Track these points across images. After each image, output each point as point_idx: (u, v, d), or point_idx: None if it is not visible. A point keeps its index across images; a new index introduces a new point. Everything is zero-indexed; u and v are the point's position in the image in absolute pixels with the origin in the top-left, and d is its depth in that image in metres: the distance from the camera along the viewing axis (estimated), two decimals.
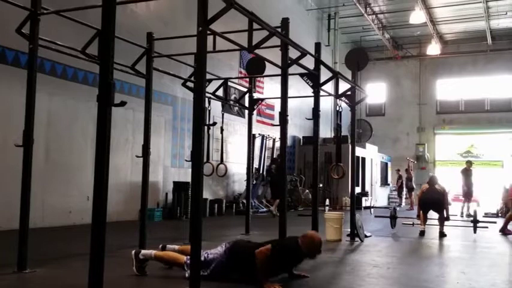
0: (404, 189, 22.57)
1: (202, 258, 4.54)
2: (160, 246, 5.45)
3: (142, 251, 4.95)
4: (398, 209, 19.78)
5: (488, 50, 25.31)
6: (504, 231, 10.11)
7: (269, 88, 17.05)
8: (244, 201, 11.80)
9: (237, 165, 14.90)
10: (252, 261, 4.50)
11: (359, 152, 18.74)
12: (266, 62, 7.60)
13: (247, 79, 11.62)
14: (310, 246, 4.65)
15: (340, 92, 8.24)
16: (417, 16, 20.65)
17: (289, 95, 6.14)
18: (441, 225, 9.33)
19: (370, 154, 21.69)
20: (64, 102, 9.70)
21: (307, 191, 17.67)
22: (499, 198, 16.68)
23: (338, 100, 8.60)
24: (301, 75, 7.09)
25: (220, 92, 9.17)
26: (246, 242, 5.21)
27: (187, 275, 4.53)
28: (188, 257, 4.66)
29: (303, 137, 20.26)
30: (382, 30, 23.98)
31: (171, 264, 5.02)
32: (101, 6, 3.24)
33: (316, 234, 4.88)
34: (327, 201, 15.51)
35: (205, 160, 7.18)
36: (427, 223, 9.64)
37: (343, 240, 8.06)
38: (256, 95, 10.83)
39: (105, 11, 3.21)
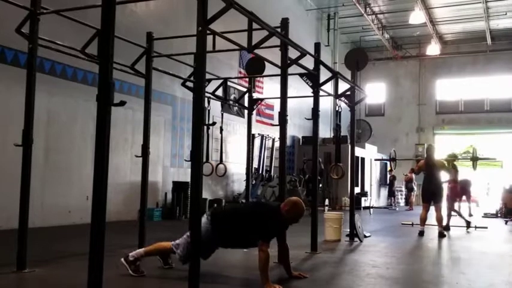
0: (404, 189, 22.59)
1: (189, 239, 4.53)
2: None
3: (131, 253, 4.93)
4: (397, 209, 19.94)
5: (487, 50, 25.32)
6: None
7: (269, 88, 17.05)
8: (244, 201, 11.80)
9: (236, 165, 14.90)
10: (237, 220, 4.75)
11: (358, 152, 18.75)
12: (266, 62, 7.60)
13: (247, 79, 11.62)
14: (291, 207, 4.73)
15: (339, 92, 8.24)
16: (417, 16, 20.66)
17: (288, 95, 6.14)
18: (440, 225, 9.35)
19: (370, 154, 21.71)
20: (63, 101, 9.70)
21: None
22: (499, 199, 16.72)
23: (337, 100, 8.60)
24: (301, 75, 7.08)
25: (219, 92, 9.17)
26: (224, 207, 5.29)
27: (177, 256, 4.77)
28: (174, 242, 4.85)
29: (302, 137, 20.26)
30: (382, 30, 23.99)
31: (161, 253, 5.09)
32: (101, 6, 3.24)
33: (298, 199, 4.89)
34: (327, 201, 15.55)
35: (204, 160, 7.18)
36: (426, 223, 9.66)
37: (343, 241, 8.06)
38: (255, 95, 10.82)
39: (104, 11, 3.21)
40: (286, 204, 4.77)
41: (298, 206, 4.76)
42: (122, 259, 4.88)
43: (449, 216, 10.82)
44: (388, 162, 24.37)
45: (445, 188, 10.60)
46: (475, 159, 11.63)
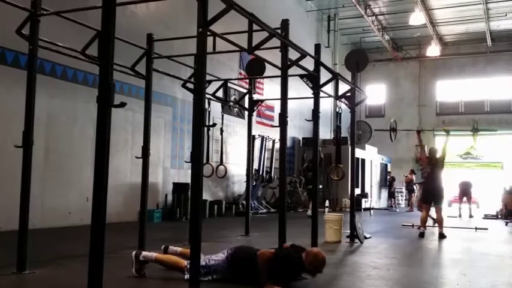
0: (404, 191, 22.61)
1: (203, 263, 4.53)
2: (163, 247, 5.46)
3: (143, 253, 4.93)
4: (398, 210, 19.95)
5: (488, 51, 25.33)
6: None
7: (269, 89, 17.06)
8: (244, 202, 11.80)
9: (236, 167, 14.90)
10: (254, 268, 4.46)
11: (359, 153, 18.74)
12: (266, 63, 7.59)
13: (247, 80, 11.62)
14: (313, 262, 4.59)
15: (340, 93, 8.24)
16: (417, 17, 20.67)
17: (289, 96, 6.13)
18: (440, 226, 9.35)
19: (370, 155, 21.69)
20: (64, 103, 9.71)
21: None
22: (499, 200, 16.73)
23: (338, 101, 8.59)
24: (301, 76, 7.08)
25: (220, 93, 9.17)
26: (248, 248, 5.12)
27: (186, 277, 4.52)
28: (188, 263, 4.65)
29: (302, 138, 20.26)
30: (382, 31, 23.99)
31: (171, 268, 4.97)
32: (101, 7, 3.23)
33: (321, 252, 4.77)
34: (327, 203, 15.53)
35: (205, 161, 7.17)
36: (427, 224, 9.66)
37: (343, 242, 8.05)
38: (256, 96, 10.82)
39: (105, 12, 3.21)
40: (309, 253, 4.65)
41: (319, 258, 4.64)
42: (134, 253, 4.88)
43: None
44: (388, 164, 24.45)
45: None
46: (475, 131, 11.53)
